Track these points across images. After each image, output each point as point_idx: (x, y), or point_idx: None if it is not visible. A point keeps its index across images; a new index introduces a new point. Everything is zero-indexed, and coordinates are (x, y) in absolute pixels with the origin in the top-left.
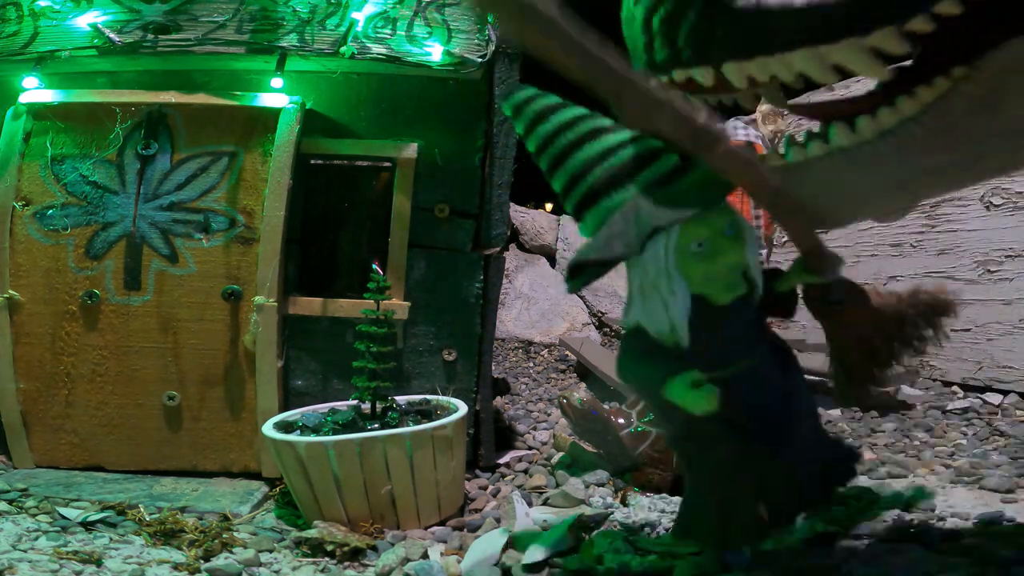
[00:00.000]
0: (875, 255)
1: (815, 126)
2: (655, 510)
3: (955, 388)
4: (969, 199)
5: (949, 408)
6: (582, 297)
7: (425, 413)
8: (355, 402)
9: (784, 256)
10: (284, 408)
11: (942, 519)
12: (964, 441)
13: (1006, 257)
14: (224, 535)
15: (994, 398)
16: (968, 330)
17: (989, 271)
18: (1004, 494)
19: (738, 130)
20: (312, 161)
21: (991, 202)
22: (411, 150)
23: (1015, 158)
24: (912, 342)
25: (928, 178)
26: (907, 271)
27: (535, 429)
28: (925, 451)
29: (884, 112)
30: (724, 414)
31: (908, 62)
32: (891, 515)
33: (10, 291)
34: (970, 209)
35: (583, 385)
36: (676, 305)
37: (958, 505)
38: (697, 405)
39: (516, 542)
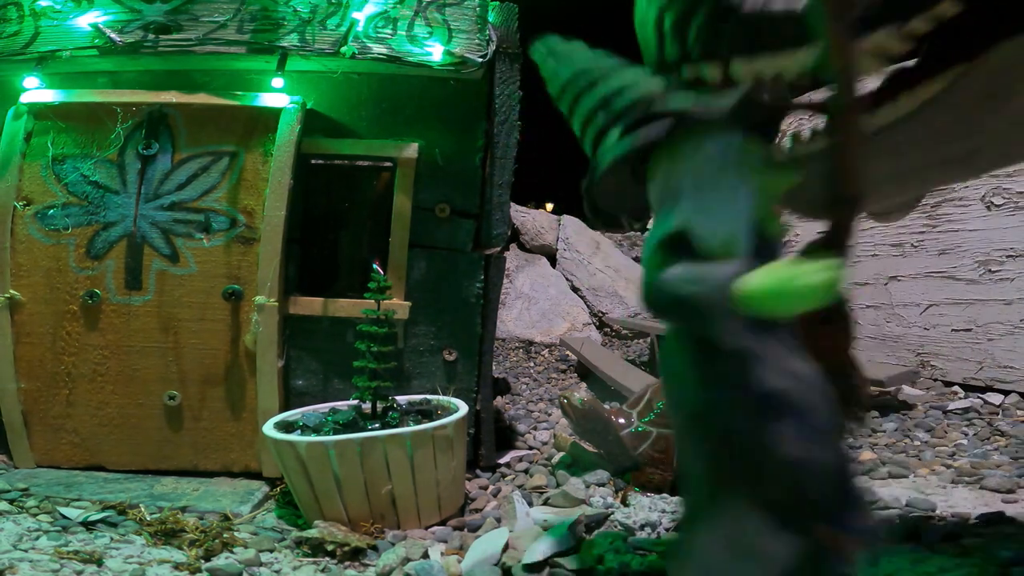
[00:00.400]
0: (876, 255)
1: (820, 123)
2: (655, 510)
3: (956, 388)
4: (970, 199)
5: (950, 408)
6: (583, 297)
7: (426, 413)
8: (356, 402)
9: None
10: (285, 408)
11: (943, 519)
12: (965, 441)
13: (1007, 257)
14: (225, 535)
15: (995, 398)
16: (969, 330)
17: (990, 271)
18: (1005, 494)
19: None
20: (313, 161)
21: (992, 202)
22: (412, 150)
23: (1010, 152)
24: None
25: (925, 170)
26: (908, 271)
27: (535, 429)
28: (926, 451)
29: (885, 109)
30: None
31: (912, 62)
32: (892, 515)
33: (11, 291)
34: (971, 209)
35: (584, 385)
36: (743, 204)
37: (959, 505)
38: (823, 283)
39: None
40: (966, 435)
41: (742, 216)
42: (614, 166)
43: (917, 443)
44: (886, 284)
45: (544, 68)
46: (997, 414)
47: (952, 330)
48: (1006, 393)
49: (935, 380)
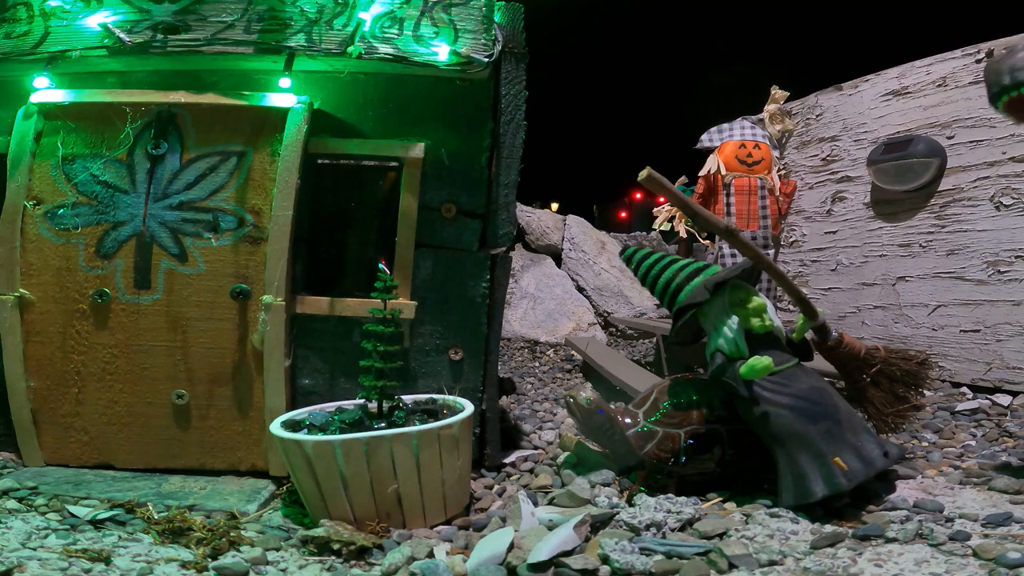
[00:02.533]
0: (884, 255)
1: None
2: (661, 510)
3: (964, 389)
4: (979, 199)
5: (958, 409)
6: (588, 297)
7: (431, 412)
8: (362, 401)
9: (791, 256)
10: (291, 407)
11: (950, 520)
12: (973, 442)
13: (1016, 257)
14: (232, 533)
15: (1003, 399)
16: (978, 331)
17: (999, 272)
18: (1013, 495)
19: (745, 130)
20: (320, 161)
21: (1001, 202)
22: (418, 150)
23: None
24: (892, 390)
25: None
26: (916, 271)
27: (541, 429)
28: (933, 452)
29: None
30: (777, 393)
31: None
32: (899, 515)
33: (21, 290)
34: (980, 209)
35: (589, 384)
36: (736, 332)
37: (966, 506)
38: (759, 368)
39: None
40: (974, 436)
41: (739, 335)
42: (685, 319)
43: (925, 444)
44: (894, 285)
45: (633, 263)
46: (1005, 415)
47: (961, 331)
48: (1015, 394)
49: (943, 381)
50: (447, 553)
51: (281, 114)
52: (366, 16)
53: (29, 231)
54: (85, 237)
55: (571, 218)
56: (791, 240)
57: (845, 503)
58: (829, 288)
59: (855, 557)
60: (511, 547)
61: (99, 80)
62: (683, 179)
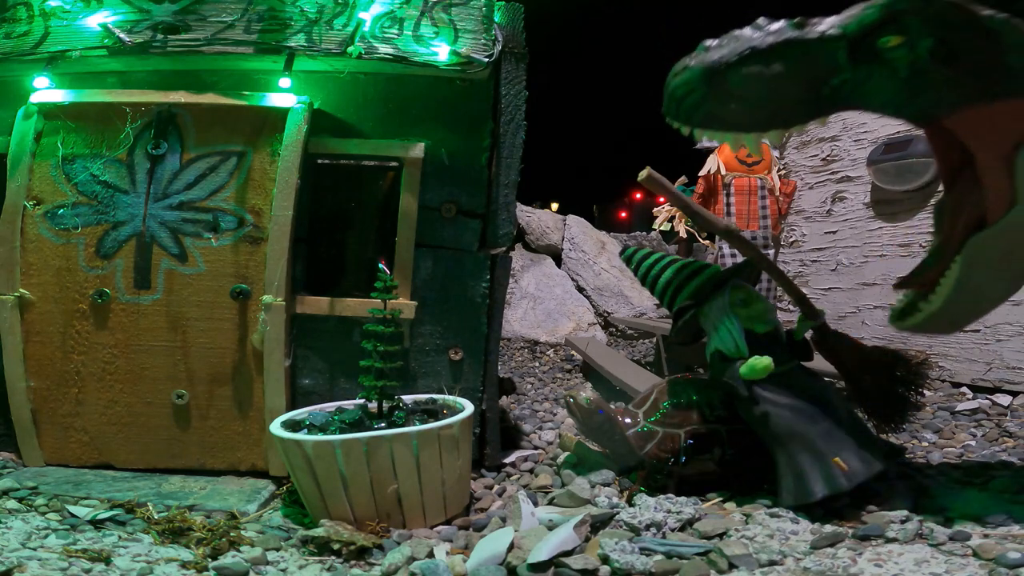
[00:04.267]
0: (884, 255)
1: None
2: (661, 510)
3: (964, 389)
4: None
5: (958, 409)
6: (588, 297)
7: (431, 412)
8: (362, 401)
9: (791, 256)
10: (291, 407)
11: (950, 520)
12: (973, 443)
13: None
14: (232, 533)
15: (1003, 399)
16: (978, 331)
17: None
18: (1012, 495)
19: None
20: (319, 161)
21: None
22: (418, 150)
23: None
24: (892, 390)
25: (981, 303)
26: None
27: (541, 429)
28: (933, 452)
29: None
30: (777, 393)
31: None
32: (899, 515)
33: (21, 290)
34: None
35: (589, 385)
36: (737, 332)
37: (967, 506)
38: (759, 368)
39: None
40: (974, 436)
41: (739, 335)
42: (685, 319)
43: (925, 444)
44: (894, 285)
45: (633, 264)
46: (1005, 415)
47: (960, 331)
48: (1015, 394)
49: (943, 381)
50: (447, 553)
51: (281, 114)
52: (366, 16)
53: (29, 231)
54: (85, 237)
55: (571, 218)
56: (791, 240)
57: (845, 503)
58: (829, 288)
59: (855, 557)
60: (511, 547)
61: (99, 80)
62: (683, 179)
